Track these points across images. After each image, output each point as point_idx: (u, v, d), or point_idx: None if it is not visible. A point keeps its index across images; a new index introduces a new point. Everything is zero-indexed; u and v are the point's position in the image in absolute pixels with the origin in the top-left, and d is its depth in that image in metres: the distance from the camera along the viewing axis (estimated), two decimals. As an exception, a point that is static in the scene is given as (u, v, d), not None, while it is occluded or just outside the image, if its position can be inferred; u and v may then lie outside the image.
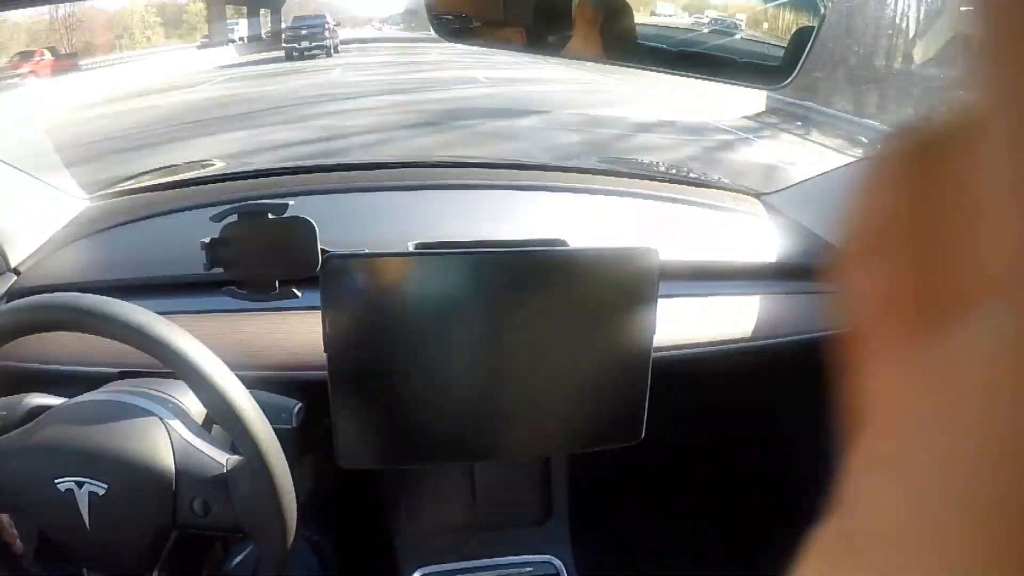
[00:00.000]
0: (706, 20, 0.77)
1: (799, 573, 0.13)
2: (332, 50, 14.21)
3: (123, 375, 0.76)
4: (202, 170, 1.44)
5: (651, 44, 0.73)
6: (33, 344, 0.71)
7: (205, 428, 0.69)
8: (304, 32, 14.17)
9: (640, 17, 0.72)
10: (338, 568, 1.06)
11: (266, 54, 14.91)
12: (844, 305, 0.13)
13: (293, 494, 0.63)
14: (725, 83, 0.79)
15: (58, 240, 1.00)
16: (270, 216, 0.76)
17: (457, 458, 0.94)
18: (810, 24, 0.71)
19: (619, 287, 0.81)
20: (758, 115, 7.46)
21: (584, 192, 1.21)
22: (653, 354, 0.84)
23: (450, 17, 0.67)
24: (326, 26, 14.43)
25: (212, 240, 0.77)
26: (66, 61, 14.02)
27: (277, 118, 7.24)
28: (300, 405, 0.73)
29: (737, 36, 0.77)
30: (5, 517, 0.69)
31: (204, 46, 17.05)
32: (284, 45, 14.24)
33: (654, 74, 0.86)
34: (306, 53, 13.75)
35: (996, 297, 0.09)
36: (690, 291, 1.01)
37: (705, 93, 8.03)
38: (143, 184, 1.24)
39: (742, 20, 0.77)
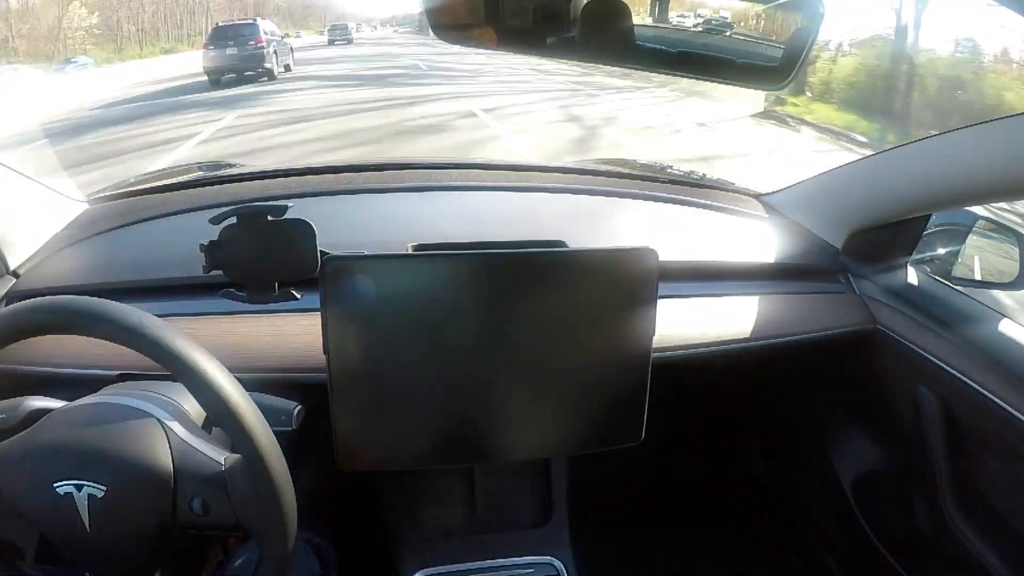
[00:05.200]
0: (696, 20, 0.77)
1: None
2: (351, 41, 28.19)
3: (122, 377, 0.76)
4: (201, 172, 1.44)
5: (650, 45, 0.73)
6: (32, 347, 0.71)
7: (204, 430, 0.69)
8: (337, 33, 28.76)
9: (638, 18, 0.72)
10: (339, 570, 1.06)
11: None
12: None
13: (293, 492, 0.63)
14: (724, 83, 0.79)
15: (57, 243, 1.00)
16: (269, 218, 0.76)
17: (457, 460, 0.94)
18: (809, 25, 0.71)
19: (619, 288, 0.81)
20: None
21: (583, 193, 1.21)
22: (653, 354, 0.84)
23: (449, 20, 0.67)
24: (349, 28, 31.00)
25: (211, 242, 0.77)
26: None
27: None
28: (299, 407, 0.73)
29: (727, 33, 0.76)
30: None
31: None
32: (328, 38, 28.73)
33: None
34: (337, 42, 27.37)
35: None
36: (690, 291, 1.01)
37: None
38: (142, 186, 1.24)
39: (727, 16, 0.77)
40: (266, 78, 12.34)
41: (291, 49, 14.78)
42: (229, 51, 12.11)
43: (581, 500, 1.13)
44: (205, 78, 12.36)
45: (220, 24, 13.78)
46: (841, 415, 1.20)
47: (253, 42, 12.33)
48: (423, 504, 1.10)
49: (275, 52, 12.96)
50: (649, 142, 7.14)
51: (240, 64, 12.26)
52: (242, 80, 12.15)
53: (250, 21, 13.74)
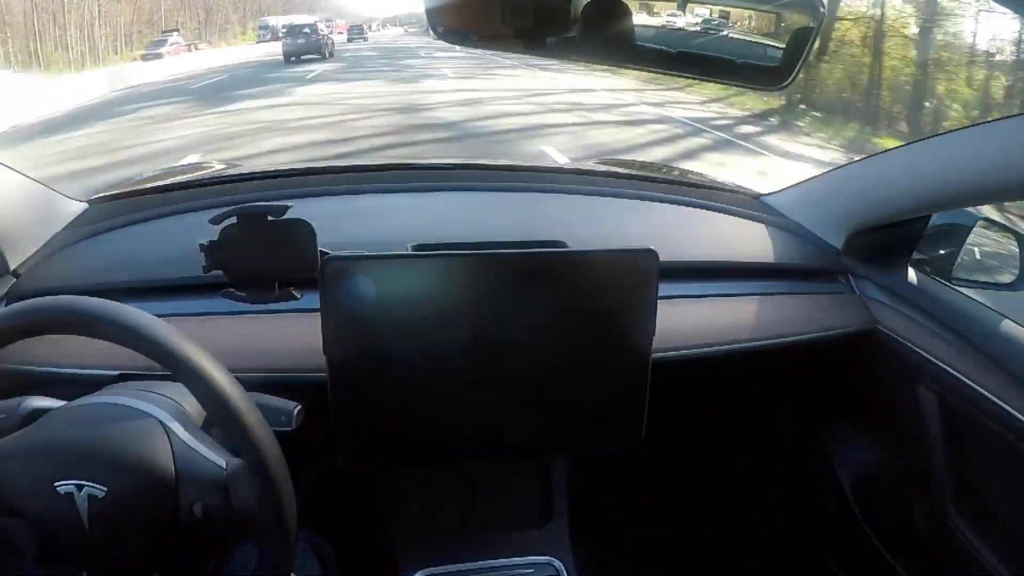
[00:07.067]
0: (695, 18, 0.77)
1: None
2: (364, 38, 32.21)
3: (122, 377, 0.76)
4: (201, 172, 1.44)
5: (650, 45, 0.73)
6: (32, 347, 0.71)
7: (204, 431, 0.69)
8: (356, 31, 33.15)
9: (639, 19, 0.72)
10: (338, 570, 1.06)
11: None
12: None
13: (293, 496, 0.63)
14: (724, 84, 0.79)
15: (57, 242, 1.00)
16: (269, 218, 0.76)
17: (456, 460, 0.94)
18: (809, 25, 0.71)
19: (619, 288, 0.81)
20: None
21: (583, 193, 1.21)
22: (653, 354, 0.84)
23: (449, 20, 0.67)
24: (364, 27, 36.36)
25: (211, 242, 0.77)
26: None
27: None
28: (299, 407, 0.73)
29: (724, 32, 0.76)
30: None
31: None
32: (347, 37, 31.86)
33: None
34: (354, 39, 31.00)
35: None
36: (690, 291, 1.01)
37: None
38: (142, 186, 1.24)
39: (727, 18, 0.77)
40: (320, 57, 19.21)
41: (333, 42, 22.17)
42: (299, 41, 19.37)
43: (581, 500, 1.13)
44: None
45: (291, 24, 22.01)
46: (841, 415, 1.20)
47: (314, 36, 19.71)
48: (423, 504, 1.10)
49: (326, 43, 20.37)
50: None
51: (305, 49, 19.25)
52: (300, 62, 18.66)
53: (311, 22, 21.82)
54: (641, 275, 0.80)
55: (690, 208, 1.19)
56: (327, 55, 19.78)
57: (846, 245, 1.10)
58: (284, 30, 23.00)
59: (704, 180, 1.44)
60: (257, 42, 31.49)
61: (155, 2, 28.04)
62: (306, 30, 20.46)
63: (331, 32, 23.82)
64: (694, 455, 1.36)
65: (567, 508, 1.11)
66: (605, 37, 0.70)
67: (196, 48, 25.50)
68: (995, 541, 0.89)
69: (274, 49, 23.79)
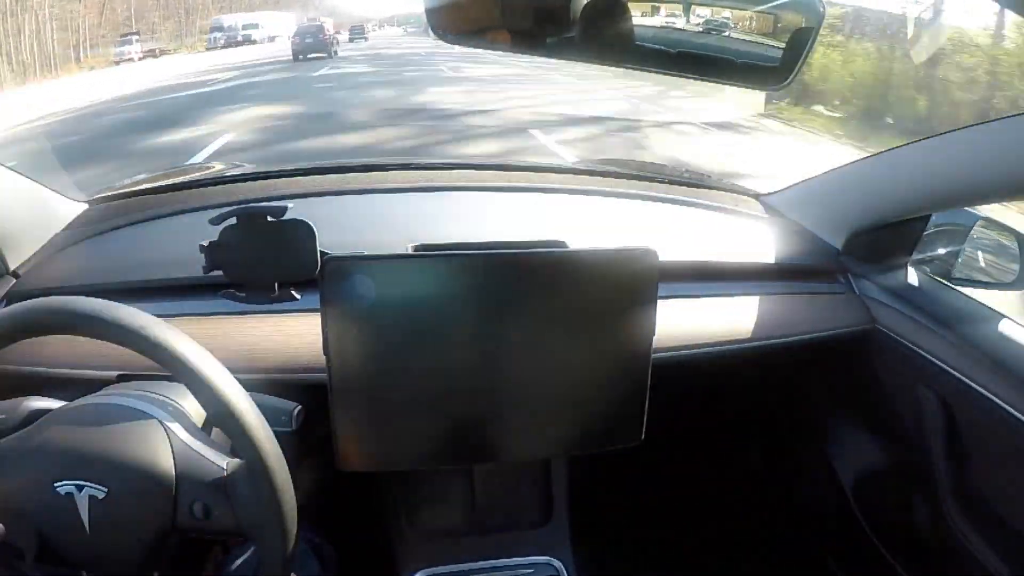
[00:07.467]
0: (695, 20, 0.76)
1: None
2: (364, 38, 30.76)
3: (122, 378, 0.76)
4: (201, 172, 1.44)
5: (649, 45, 0.73)
6: (32, 347, 0.71)
7: (205, 431, 0.69)
8: (357, 31, 31.44)
9: (638, 19, 0.72)
10: (339, 570, 1.06)
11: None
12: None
13: (293, 497, 0.63)
14: (724, 84, 0.79)
15: (57, 243, 1.00)
16: (269, 219, 0.76)
17: (457, 460, 0.94)
18: (808, 25, 0.71)
19: (619, 288, 0.81)
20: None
21: (584, 193, 1.21)
22: (653, 354, 0.84)
23: (449, 20, 0.67)
24: (365, 28, 34.49)
25: (211, 243, 0.77)
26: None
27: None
28: (299, 408, 0.73)
29: (726, 33, 0.76)
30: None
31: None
32: (349, 37, 29.79)
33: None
34: (355, 39, 29.31)
35: None
36: (690, 291, 1.01)
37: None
38: (142, 187, 1.24)
39: (729, 18, 0.77)
40: (327, 55, 19.34)
41: (337, 41, 22.70)
42: (307, 40, 19.90)
43: (581, 500, 1.13)
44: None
45: (300, 24, 22.25)
46: (841, 415, 1.20)
47: (321, 36, 20.24)
48: (423, 504, 1.10)
49: (332, 43, 20.89)
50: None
51: (313, 48, 19.77)
52: (306, 59, 18.92)
53: (319, 23, 22.00)
54: (641, 275, 0.80)
55: (690, 208, 1.20)
56: (333, 54, 20.09)
57: (846, 245, 1.10)
58: (243, 29, 26.31)
59: (704, 180, 1.44)
60: (207, 48, 24.24)
61: (127, 3, 24.33)
62: (313, 30, 21.23)
63: (336, 35, 23.57)
64: (694, 455, 1.36)
65: (567, 508, 1.11)
66: (605, 37, 0.70)
67: (163, 52, 22.61)
68: (995, 541, 0.89)
69: (219, 60, 19.43)
